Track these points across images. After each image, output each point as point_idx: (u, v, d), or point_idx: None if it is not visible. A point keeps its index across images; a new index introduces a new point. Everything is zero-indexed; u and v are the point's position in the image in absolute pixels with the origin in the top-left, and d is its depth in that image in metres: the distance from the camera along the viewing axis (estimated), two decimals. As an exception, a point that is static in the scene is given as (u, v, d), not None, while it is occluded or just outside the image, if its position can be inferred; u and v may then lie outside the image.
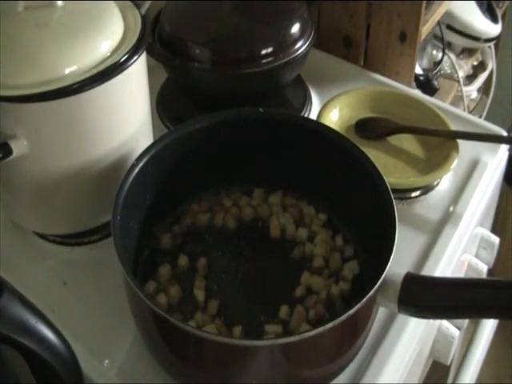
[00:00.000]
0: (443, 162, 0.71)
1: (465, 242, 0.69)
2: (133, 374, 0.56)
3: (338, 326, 0.46)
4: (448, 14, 1.17)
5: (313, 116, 0.80)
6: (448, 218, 0.69)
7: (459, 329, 0.68)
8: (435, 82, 1.13)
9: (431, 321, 0.64)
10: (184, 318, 0.55)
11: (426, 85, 1.11)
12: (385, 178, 0.56)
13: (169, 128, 0.78)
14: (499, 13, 1.33)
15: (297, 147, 0.63)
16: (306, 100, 0.83)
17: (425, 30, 0.87)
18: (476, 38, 1.26)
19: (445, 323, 0.67)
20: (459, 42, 1.27)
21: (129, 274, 0.48)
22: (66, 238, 0.66)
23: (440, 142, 0.74)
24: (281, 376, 0.49)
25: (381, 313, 0.56)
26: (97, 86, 0.52)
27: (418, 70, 1.11)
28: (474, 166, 0.75)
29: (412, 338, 0.59)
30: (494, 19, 1.29)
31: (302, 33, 0.75)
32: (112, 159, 0.59)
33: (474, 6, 1.25)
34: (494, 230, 0.85)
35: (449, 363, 0.70)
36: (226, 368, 0.49)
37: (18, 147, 0.53)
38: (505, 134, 0.79)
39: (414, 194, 0.72)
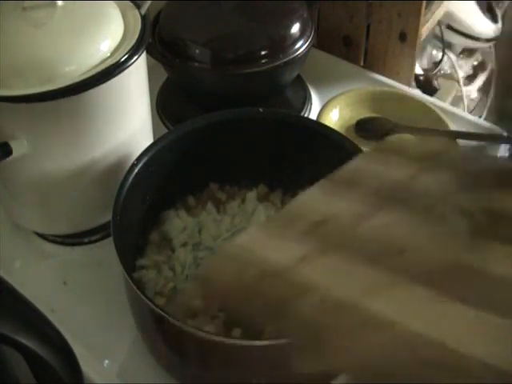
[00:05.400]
0: (443, 162, 0.71)
1: (465, 242, 0.69)
2: (133, 374, 0.56)
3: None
4: (448, 14, 1.17)
5: (313, 116, 0.80)
6: (448, 217, 0.69)
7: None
8: (435, 82, 1.13)
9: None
10: (184, 318, 0.55)
11: (426, 85, 1.10)
12: (385, 177, 0.56)
13: (169, 128, 0.78)
14: (499, 13, 1.33)
15: (297, 147, 0.63)
16: (306, 100, 0.83)
17: (425, 29, 0.87)
18: (476, 38, 1.25)
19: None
20: (459, 42, 1.27)
21: (129, 274, 0.48)
22: (66, 238, 0.66)
23: (440, 141, 0.74)
24: (281, 376, 0.49)
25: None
26: (97, 85, 0.52)
27: (418, 70, 1.11)
28: (473, 166, 0.75)
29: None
30: (494, 19, 1.29)
31: (302, 33, 0.75)
32: (112, 159, 0.59)
33: (473, 6, 1.25)
34: (493, 230, 0.85)
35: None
36: (226, 368, 0.49)
37: (18, 147, 0.53)
38: (505, 134, 0.79)
39: (413, 194, 0.71)
